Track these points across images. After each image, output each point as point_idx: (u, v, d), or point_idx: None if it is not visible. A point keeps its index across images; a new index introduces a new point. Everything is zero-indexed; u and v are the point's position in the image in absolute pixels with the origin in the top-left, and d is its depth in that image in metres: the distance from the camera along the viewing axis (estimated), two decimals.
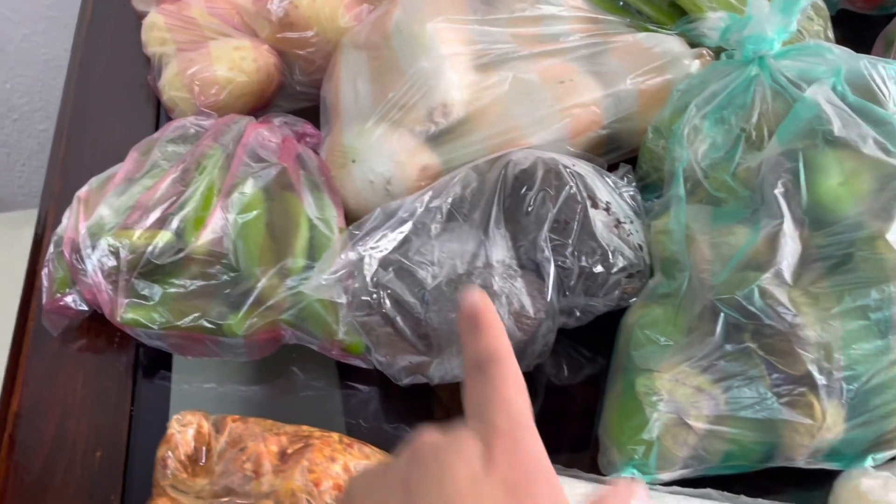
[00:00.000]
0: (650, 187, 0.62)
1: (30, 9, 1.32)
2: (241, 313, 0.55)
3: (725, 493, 0.50)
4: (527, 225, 0.55)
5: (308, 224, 0.58)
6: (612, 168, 0.62)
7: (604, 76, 0.63)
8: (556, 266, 0.54)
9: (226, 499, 0.47)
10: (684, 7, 0.67)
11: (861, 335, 0.47)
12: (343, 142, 0.62)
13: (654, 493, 0.49)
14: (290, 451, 0.49)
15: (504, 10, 0.64)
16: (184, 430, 0.49)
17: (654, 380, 0.50)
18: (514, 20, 0.64)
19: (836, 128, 0.51)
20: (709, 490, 0.50)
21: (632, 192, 0.60)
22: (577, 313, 0.56)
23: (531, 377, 0.58)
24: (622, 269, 0.55)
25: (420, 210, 0.57)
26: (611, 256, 0.55)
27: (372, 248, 0.55)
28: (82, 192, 0.60)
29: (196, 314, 0.55)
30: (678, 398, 0.49)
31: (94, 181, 0.61)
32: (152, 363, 0.59)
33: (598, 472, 0.51)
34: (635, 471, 0.49)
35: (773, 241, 0.50)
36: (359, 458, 0.49)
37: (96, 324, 0.59)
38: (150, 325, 0.55)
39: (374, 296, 0.54)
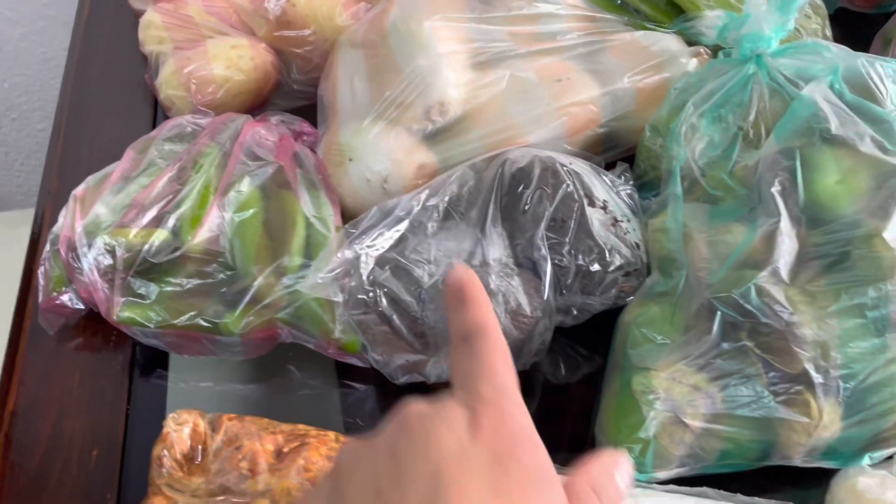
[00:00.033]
0: (647, 185, 0.62)
1: (28, 8, 1.32)
2: (237, 312, 0.55)
3: (722, 491, 0.50)
4: (524, 223, 0.55)
5: (305, 222, 0.58)
6: (609, 166, 0.62)
7: (601, 74, 0.63)
8: (553, 264, 0.54)
9: (221, 497, 0.47)
10: (682, 5, 0.67)
11: (858, 333, 0.47)
12: (340, 140, 0.62)
13: (651, 491, 0.49)
14: (286, 449, 0.49)
15: (501, 9, 0.64)
16: (180, 428, 0.49)
17: (651, 378, 0.50)
18: (511, 18, 0.64)
19: (834, 126, 0.51)
20: (705, 489, 0.50)
21: (629, 191, 0.59)
22: (574, 312, 0.56)
23: (528, 376, 0.58)
24: (619, 268, 0.55)
25: (417, 208, 0.57)
26: (608, 255, 0.55)
27: (368, 246, 0.55)
28: (79, 190, 0.60)
29: (192, 313, 0.55)
30: (675, 396, 0.49)
31: (90, 180, 0.61)
32: (149, 362, 0.59)
33: None
34: None
35: (770, 240, 0.49)
36: None
37: (93, 322, 0.59)
38: (146, 323, 0.55)
39: (371, 294, 0.54)
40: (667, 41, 0.65)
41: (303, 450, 0.49)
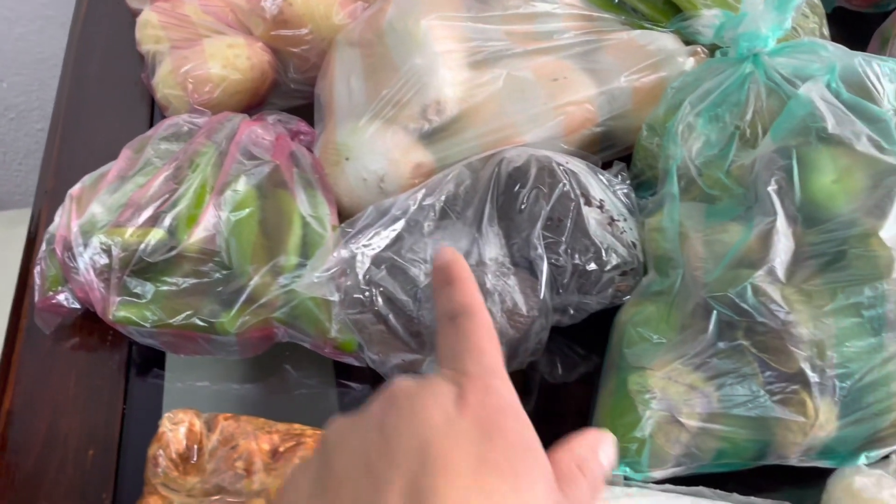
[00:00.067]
0: (644, 185, 0.61)
1: (26, 7, 1.32)
2: (233, 311, 0.55)
3: (718, 491, 0.50)
4: (520, 222, 0.55)
5: (301, 222, 0.58)
6: (606, 166, 0.62)
7: (598, 74, 0.63)
8: (550, 264, 0.54)
9: (217, 497, 0.47)
10: (679, 4, 0.67)
11: (854, 333, 0.47)
12: (336, 139, 0.62)
13: (647, 491, 0.49)
14: (281, 449, 0.49)
15: (498, 8, 0.64)
16: (175, 428, 0.49)
17: (647, 377, 0.50)
18: (508, 17, 0.64)
19: (830, 125, 0.51)
20: (701, 488, 0.50)
21: (625, 190, 0.59)
22: (571, 311, 0.56)
23: (525, 375, 0.58)
24: (615, 267, 0.55)
25: (413, 208, 0.57)
26: (604, 254, 0.54)
27: (364, 245, 0.55)
28: (75, 189, 0.60)
29: (188, 312, 0.55)
30: (671, 396, 0.49)
31: (86, 179, 0.61)
32: (145, 361, 0.59)
33: None
34: (628, 469, 0.49)
35: (767, 239, 0.49)
36: None
37: (89, 322, 0.59)
38: (142, 323, 0.55)
39: (367, 293, 0.54)
40: (664, 40, 0.65)
41: (298, 449, 0.49)
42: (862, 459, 0.50)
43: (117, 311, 0.55)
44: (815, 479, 0.51)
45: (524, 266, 0.55)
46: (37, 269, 0.59)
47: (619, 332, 0.53)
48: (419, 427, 0.29)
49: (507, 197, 0.56)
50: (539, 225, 0.54)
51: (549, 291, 0.54)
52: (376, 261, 0.54)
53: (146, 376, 0.58)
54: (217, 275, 0.56)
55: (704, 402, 0.49)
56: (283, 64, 0.73)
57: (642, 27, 0.67)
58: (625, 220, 0.57)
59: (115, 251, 0.55)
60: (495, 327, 0.52)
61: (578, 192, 0.56)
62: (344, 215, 0.60)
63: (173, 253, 0.55)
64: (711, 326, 0.49)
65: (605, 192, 0.57)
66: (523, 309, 0.53)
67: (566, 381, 0.59)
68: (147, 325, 0.55)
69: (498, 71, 0.61)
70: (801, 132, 0.51)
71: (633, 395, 0.50)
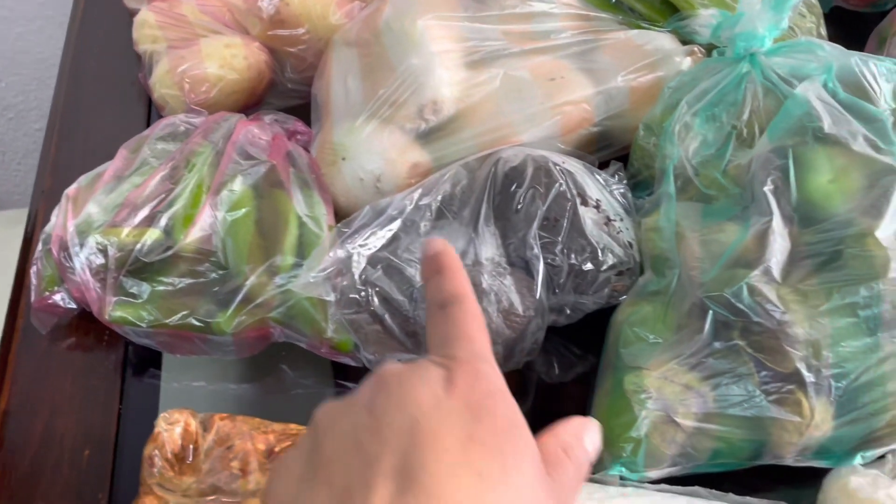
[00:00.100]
0: (641, 185, 0.61)
1: (25, 7, 1.32)
2: (229, 311, 0.55)
3: (714, 490, 0.50)
4: (516, 222, 0.55)
5: (297, 222, 0.58)
6: (603, 165, 0.62)
7: (595, 73, 0.63)
8: (546, 263, 0.54)
9: (212, 497, 0.47)
10: (676, 4, 0.67)
11: (850, 332, 0.47)
12: (333, 139, 0.62)
13: (643, 490, 0.49)
14: (277, 449, 0.49)
15: (495, 7, 0.64)
16: (171, 428, 0.49)
17: (643, 377, 0.49)
18: (504, 17, 0.64)
19: (827, 125, 0.51)
20: (697, 488, 0.49)
21: (622, 190, 0.59)
22: (567, 311, 0.56)
23: (521, 375, 0.58)
24: (612, 267, 0.55)
25: (409, 207, 0.57)
26: (600, 254, 0.54)
27: (361, 245, 0.55)
28: (71, 189, 0.60)
29: (184, 312, 0.55)
30: (666, 396, 0.49)
31: (83, 179, 0.61)
32: (141, 361, 0.59)
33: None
34: (623, 468, 0.49)
35: (763, 239, 0.49)
36: None
37: (85, 322, 0.59)
38: (138, 323, 0.55)
39: (363, 293, 0.54)
40: (661, 40, 0.65)
41: None
42: (858, 459, 0.50)
43: (114, 311, 0.55)
44: (811, 478, 0.51)
45: (520, 266, 0.55)
46: (33, 269, 0.59)
47: (615, 332, 0.53)
48: (408, 407, 0.30)
49: (503, 197, 0.56)
50: (535, 225, 0.54)
51: (546, 291, 0.54)
52: (372, 261, 0.54)
53: (142, 376, 0.58)
54: (213, 275, 0.56)
55: (700, 401, 0.49)
56: (279, 64, 0.73)
57: (639, 27, 0.67)
58: (621, 219, 0.57)
59: (112, 251, 0.55)
60: (491, 327, 0.52)
61: (575, 191, 0.55)
62: (340, 215, 0.60)
63: (169, 253, 0.55)
64: (707, 326, 0.49)
65: (601, 192, 0.57)
66: (519, 309, 0.53)
67: (562, 381, 0.59)
68: (143, 325, 0.55)
69: (495, 71, 0.61)
70: (798, 132, 0.51)
71: (629, 395, 0.50)
